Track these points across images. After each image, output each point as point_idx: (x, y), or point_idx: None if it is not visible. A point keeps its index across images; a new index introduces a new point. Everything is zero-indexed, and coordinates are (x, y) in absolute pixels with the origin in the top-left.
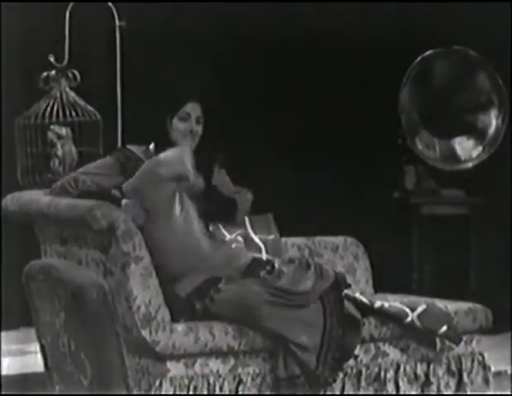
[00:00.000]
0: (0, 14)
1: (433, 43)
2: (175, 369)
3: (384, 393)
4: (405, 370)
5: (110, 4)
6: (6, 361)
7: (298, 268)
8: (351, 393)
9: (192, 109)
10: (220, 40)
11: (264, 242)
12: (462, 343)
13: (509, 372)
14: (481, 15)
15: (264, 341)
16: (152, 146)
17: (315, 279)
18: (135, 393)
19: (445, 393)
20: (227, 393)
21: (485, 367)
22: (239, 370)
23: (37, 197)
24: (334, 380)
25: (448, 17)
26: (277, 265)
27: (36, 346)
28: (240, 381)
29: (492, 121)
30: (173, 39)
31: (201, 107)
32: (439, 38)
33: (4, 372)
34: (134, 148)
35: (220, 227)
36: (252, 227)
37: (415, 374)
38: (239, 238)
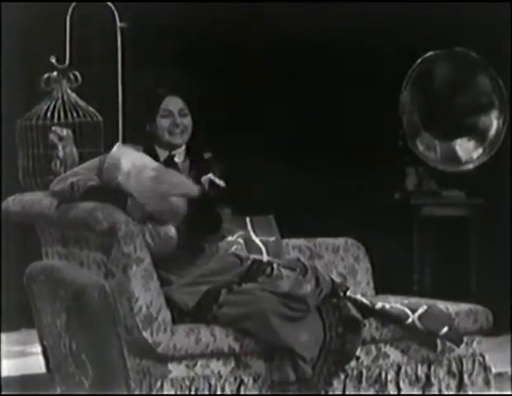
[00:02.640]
0: (0, 15)
1: (434, 44)
2: (176, 370)
3: (385, 393)
4: (406, 371)
5: (111, 5)
6: (7, 363)
7: (299, 274)
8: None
9: (172, 103)
10: (218, 42)
11: (265, 244)
12: (463, 344)
13: (509, 373)
14: (482, 16)
15: None
16: (141, 148)
17: (314, 284)
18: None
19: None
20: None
21: (485, 368)
22: (241, 371)
23: (39, 198)
24: (326, 391)
25: (449, 19)
26: (275, 267)
27: (38, 348)
28: (241, 382)
29: (493, 123)
30: (174, 39)
31: (182, 99)
32: (440, 39)
33: (5, 374)
34: None
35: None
36: (253, 228)
37: (416, 375)
38: (240, 240)
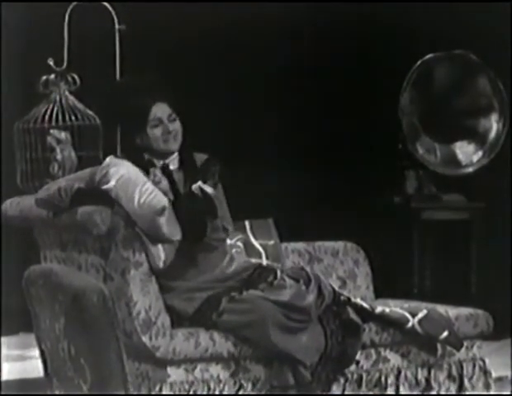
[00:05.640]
0: (0, 15)
1: (433, 46)
2: (175, 374)
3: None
4: (405, 375)
5: (109, 7)
6: (5, 367)
7: (302, 285)
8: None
9: (160, 110)
10: (218, 43)
11: (264, 248)
12: (463, 349)
13: (509, 378)
14: (482, 18)
15: None
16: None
17: (317, 294)
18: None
19: None
20: None
21: (486, 373)
22: (240, 375)
23: None
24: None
25: (449, 21)
26: (279, 275)
27: (36, 352)
28: (241, 387)
29: (493, 125)
30: (175, 42)
31: (168, 104)
32: (440, 41)
33: (4, 377)
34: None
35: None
36: (252, 232)
37: (416, 379)
38: (239, 244)
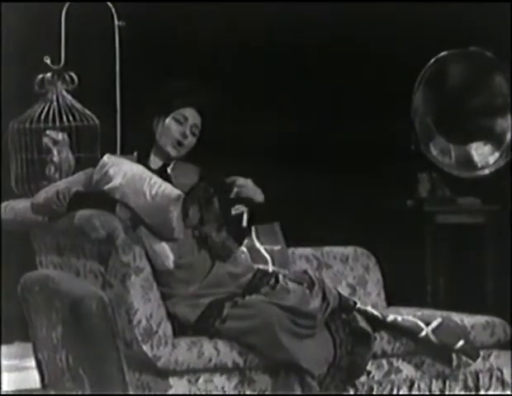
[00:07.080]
0: (0, 15)
1: (447, 44)
2: (178, 385)
3: None
4: (419, 386)
5: (109, 4)
6: (1, 377)
7: (306, 288)
8: None
9: (191, 115)
10: (217, 43)
11: (270, 253)
12: (480, 359)
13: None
14: (497, 15)
15: None
16: (135, 155)
17: (321, 298)
18: None
19: None
20: None
21: (503, 383)
22: (245, 386)
23: None
24: None
25: (464, 17)
26: (281, 278)
27: (33, 362)
28: None
29: (510, 126)
30: (174, 40)
31: (200, 118)
32: (454, 39)
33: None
34: None
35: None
36: (258, 237)
37: (430, 391)
38: (244, 249)
